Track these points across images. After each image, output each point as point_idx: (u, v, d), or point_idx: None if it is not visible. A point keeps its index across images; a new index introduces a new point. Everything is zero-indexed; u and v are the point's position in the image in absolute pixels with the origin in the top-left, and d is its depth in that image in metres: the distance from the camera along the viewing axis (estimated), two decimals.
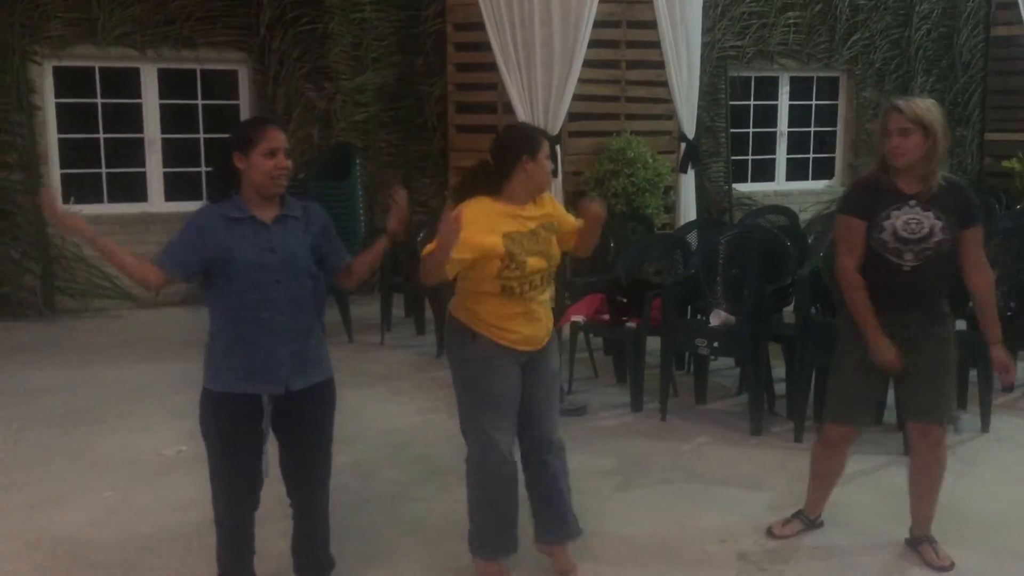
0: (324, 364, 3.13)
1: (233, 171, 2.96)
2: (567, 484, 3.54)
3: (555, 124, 7.92)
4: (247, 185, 2.97)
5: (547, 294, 3.39)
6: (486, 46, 7.99)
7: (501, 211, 3.27)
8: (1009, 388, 3.55)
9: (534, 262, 3.27)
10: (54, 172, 8.24)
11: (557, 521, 3.53)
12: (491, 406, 3.33)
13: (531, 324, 3.33)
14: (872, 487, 4.31)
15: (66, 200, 8.25)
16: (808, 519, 3.88)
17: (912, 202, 3.40)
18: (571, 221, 3.47)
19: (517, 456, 3.42)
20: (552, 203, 3.44)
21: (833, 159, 10.82)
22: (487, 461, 3.34)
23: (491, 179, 3.31)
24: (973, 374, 5.16)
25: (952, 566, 3.56)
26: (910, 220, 3.39)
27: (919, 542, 3.67)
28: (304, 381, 3.04)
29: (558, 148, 7.94)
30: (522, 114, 7.94)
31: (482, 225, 3.21)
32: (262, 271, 2.93)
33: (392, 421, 5.26)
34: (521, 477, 3.47)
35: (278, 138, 2.95)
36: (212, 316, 3.03)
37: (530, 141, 3.31)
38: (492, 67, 8.04)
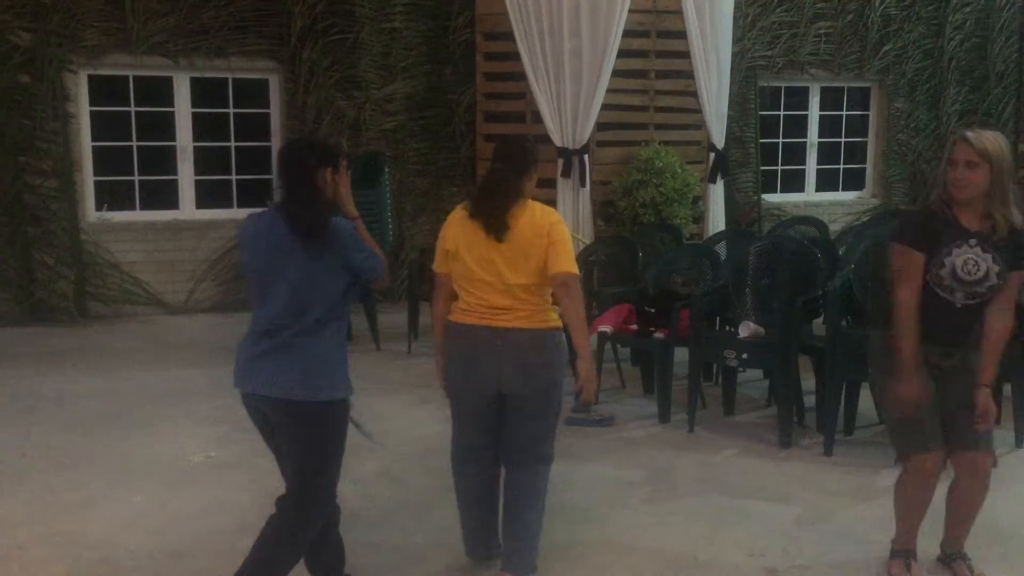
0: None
1: (317, 186, 3.10)
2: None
3: (584, 134, 7.92)
4: (326, 199, 3.13)
5: None
6: (515, 56, 8.01)
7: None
8: (986, 435, 3.40)
9: None
10: (88, 179, 8.35)
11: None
12: None
13: None
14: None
15: (99, 207, 8.39)
16: (913, 552, 3.65)
17: (972, 241, 3.30)
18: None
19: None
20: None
21: (864, 170, 10.73)
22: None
23: (520, 188, 3.48)
24: (1007, 389, 5.09)
25: None
26: (968, 260, 3.29)
27: (952, 559, 3.61)
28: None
29: (586, 158, 7.94)
30: (550, 123, 7.95)
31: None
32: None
33: (419, 429, 5.26)
34: None
35: None
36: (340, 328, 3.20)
37: (533, 157, 3.50)
38: (521, 76, 8.06)
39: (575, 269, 3.33)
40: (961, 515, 3.57)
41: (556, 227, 3.32)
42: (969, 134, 3.28)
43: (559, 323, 3.40)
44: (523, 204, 3.37)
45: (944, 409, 3.44)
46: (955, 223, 3.33)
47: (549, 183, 7.80)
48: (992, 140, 3.26)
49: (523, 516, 3.41)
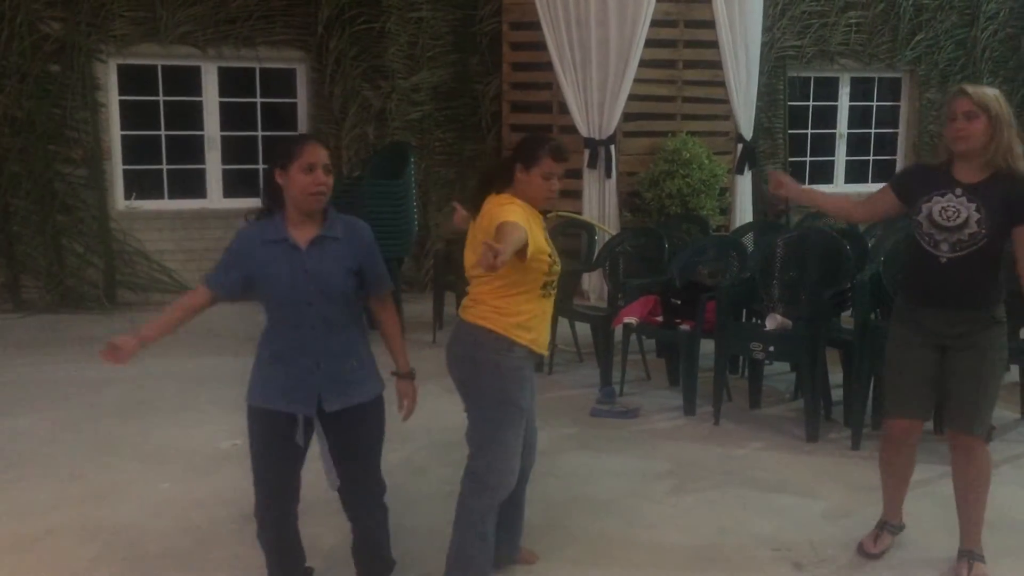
0: (368, 385, 3.07)
1: (275, 187, 2.96)
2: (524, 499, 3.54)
3: (610, 124, 7.89)
4: (288, 202, 2.95)
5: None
6: (542, 45, 7.99)
7: (534, 215, 3.23)
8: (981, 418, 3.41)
9: (557, 264, 3.26)
10: (117, 168, 8.43)
11: (514, 536, 3.55)
12: (518, 419, 3.21)
13: (544, 326, 3.29)
14: (929, 498, 4.19)
15: (128, 196, 8.46)
16: (893, 527, 3.76)
17: (958, 191, 3.32)
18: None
19: None
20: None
21: (894, 161, 10.61)
22: (508, 482, 3.24)
23: (502, 181, 3.26)
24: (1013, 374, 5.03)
25: None
26: (947, 207, 3.32)
27: (960, 556, 3.55)
28: (342, 402, 3.01)
29: (612, 148, 7.90)
30: (577, 114, 7.92)
31: (530, 222, 3.13)
32: (294, 292, 2.94)
33: (443, 420, 5.24)
34: None
35: (317, 153, 2.91)
36: (262, 333, 3.10)
37: (532, 152, 3.21)
38: (548, 66, 8.03)
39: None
40: (959, 496, 3.53)
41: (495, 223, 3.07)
42: (967, 87, 3.32)
43: (487, 323, 3.19)
44: (495, 196, 3.24)
45: (944, 385, 3.44)
46: (946, 174, 3.36)
47: (575, 173, 7.78)
48: (991, 92, 3.29)
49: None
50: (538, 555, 3.63)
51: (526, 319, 3.17)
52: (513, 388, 3.19)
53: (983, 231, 3.26)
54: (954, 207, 3.31)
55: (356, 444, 3.10)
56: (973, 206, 3.28)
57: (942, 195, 3.34)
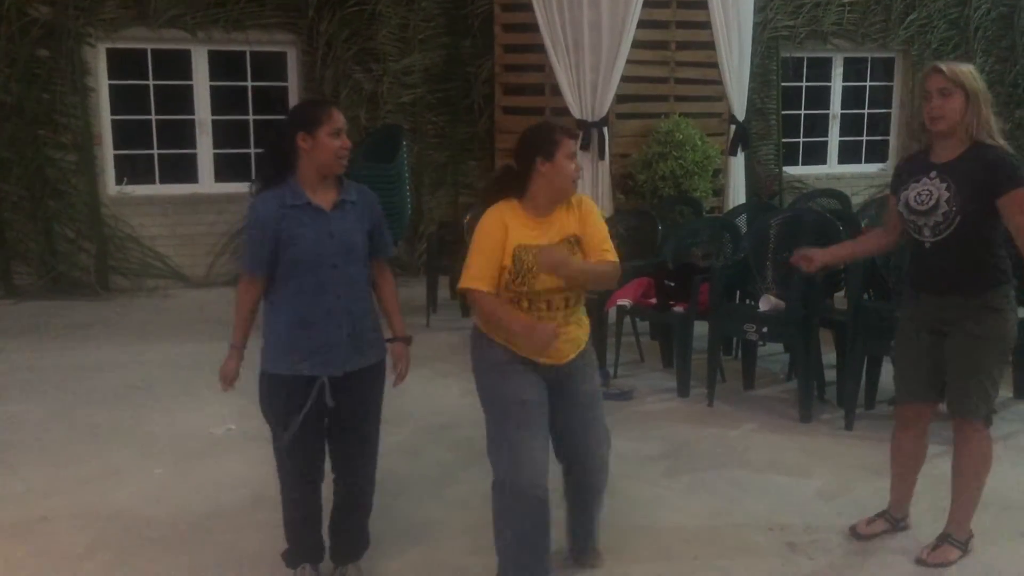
0: (379, 346, 3.18)
1: (289, 152, 2.99)
2: (601, 503, 3.40)
3: (603, 106, 7.86)
4: (307, 166, 3.00)
5: (576, 315, 3.16)
6: (534, 27, 7.95)
7: (527, 219, 3.07)
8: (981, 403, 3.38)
9: (546, 280, 3.00)
10: (107, 153, 8.38)
11: (582, 543, 3.47)
12: (518, 412, 3.06)
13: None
14: (924, 477, 4.21)
15: (119, 181, 8.43)
16: (893, 518, 3.72)
17: (933, 173, 3.30)
18: (602, 248, 3.10)
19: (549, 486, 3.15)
20: (586, 217, 3.12)
21: (887, 142, 10.61)
22: (518, 480, 3.01)
23: (514, 184, 3.10)
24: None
25: (929, 564, 3.44)
26: (921, 191, 3.31)
27: (938, 537, 3.52)
28: (360, 362, 3.09)
29: (605, 130, 7.88)
30: (569, 95, 7.89)
31: (499, 227, 3.06)
32: (320, 256, 2.98)
33: (437, 403, 5.28)
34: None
35: (340, 118, 3.04)
36: (270, 299, 3.08)
37: (546, 141, 3.02)
38: (540, 48, 8.00)
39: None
40: (954, 486, 3.51)
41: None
42: (939, 64, 3.27)
43: (478, 321, 3.18)
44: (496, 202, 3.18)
45: (946, 366, 3.43)
46: (925, 159, 3.35)
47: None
48: (964, 68, 3.24)
49: (593, 513, 3.47)
50: (603, 557, 3.50)
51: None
52: (498, 382, 3.10)
53: (953, 209, 3.23)
54: (927, 190, 3.30)
55: (364, 403, 3.15)
56: (944, 186, 3.26)
57: (918, 180, 3.34)
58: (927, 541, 3.57)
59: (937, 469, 3.85)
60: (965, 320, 3.32)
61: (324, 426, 3.12)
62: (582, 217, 3.13)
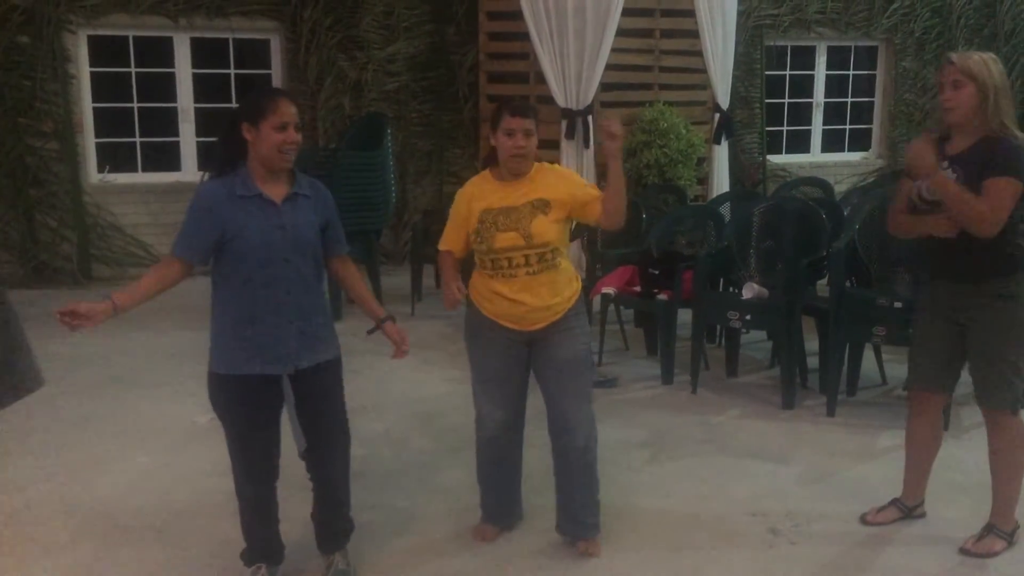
0: (331, 342, 3.12)
1: (240, 142, 2.91)
2: (588, 475, 3.44)
3: (587, 94, 7.85)
4: (254, 158, 2.92)
5: (543, 275, 3.28)
6: (518, 15, 7.92)
7: (495, 187, 3.31)
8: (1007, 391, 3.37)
9: (504, 239, 3.23)
10: (89, 141, 8.32)
11: (569, 515, 3.49)
12: (480, 374, 3.46)
13: (512, 303, 3.29)
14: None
15: (101, 169, 8.36)
16: (905, 507, 3.72)
17: (945, 163, 3.30)
18: (590, 192, 3.34)
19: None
20: (557, 183, 3.31)
21: (870, 130, 10.65)
22: (478, 428, 3.53)
23: (492, 153, 3.37)
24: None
25: (972, 553, 3.45)
26: None
27: (982, 528, 3.52)
28: (311, 359, 3.03)
29: (590, 119, 7.88)
30: (554, 84, 7.88)
31: (466, 197, 3.37)
32: (270, 249, 2.90)
33: (422, 391, 5.28)
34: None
35: (289, 111, 2.89)
36: (217, 295, 3.00)
37: (495, 113, 3.29)
38: (524, 36, 7.98)
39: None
40: (992, 477, 3.49)
41: None
42: (953, 55, 3.29)
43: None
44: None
45: (968, 358, 3.43)
46: (940, 150, 3.33)
47: (553, 144, 7.75)
48: (978, 58, 3.23)
49: (582, 485, 3.52)
50: (600, 549, 3.50)
51: (479, 286, 3.41)
52: (472, 345, 3.48)
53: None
54: None
55: (325, 400, 3.11)
56: (955, 177, 3.26)
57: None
58: (922, 529, 3.62)
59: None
60: (982, 311, 3.32)
61: (278, 425, 3.07)
62: (551, 183, 3.32)
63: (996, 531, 3.49)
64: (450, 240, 3.45)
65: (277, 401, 3.04)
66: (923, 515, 3.74)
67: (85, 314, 2.84)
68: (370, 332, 3.25)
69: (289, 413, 3.09)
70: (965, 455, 4.29)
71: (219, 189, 2.93)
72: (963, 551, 3.47)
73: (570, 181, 3.38)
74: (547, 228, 3.25)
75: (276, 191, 2.95)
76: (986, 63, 3.22)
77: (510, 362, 3.40)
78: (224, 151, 2.97)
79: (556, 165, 3.45)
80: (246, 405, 3.01)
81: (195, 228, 2.94)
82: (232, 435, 3.08)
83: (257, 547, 3.22)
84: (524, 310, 3.30)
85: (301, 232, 2.96)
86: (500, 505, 3.62)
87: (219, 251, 2.93)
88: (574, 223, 3.62)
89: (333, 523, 3.29)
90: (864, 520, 3.73)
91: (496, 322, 3.36)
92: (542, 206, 3.26)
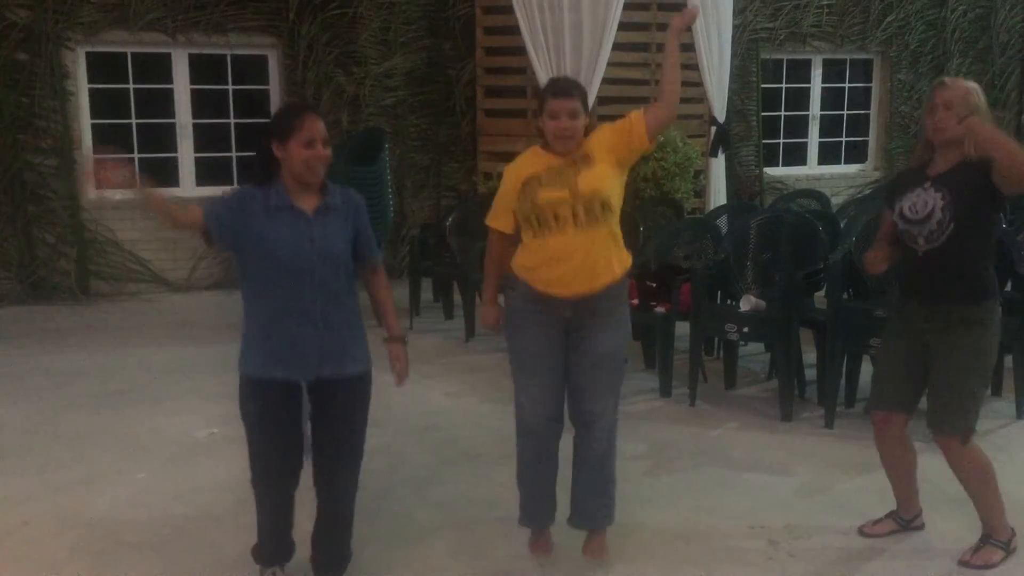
0: (359, 356, 3.11)
1: (272, 158, 2.98)
2: (603, 470, 3.44)
3: None
4: (285, 173, 2.99)
5: (593, 230, 3.18)
6: (515, 29, 7.96)
7: (542, 158, 3.29)
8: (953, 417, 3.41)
9: (547, 193, 3.18)
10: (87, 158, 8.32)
11: (581, 508, 3.49)
12: (521, 364, 3.36)
13: (559, 264, 3.19)
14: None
15: (99, 185, 8.36)
16: (902, 519, 3.74)
17: (927, 184, 3.36)
18: (631, 116, 3.31)
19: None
20: (598, 139, 3.30)
21: (866, 143, 10.69)
22: (518, 424, 3.42)
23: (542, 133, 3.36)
24: (1008, 360, 5.10)
25: (971, 565, 3.46)
26: (916, 201, 3.36)
27: (981, 537, 3.54)
28: (335, 370, 3.03)
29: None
30: None
31: (513, 170, 3.34)
32: (298, 259, 2.94)
33: (421, 405, 5.28)
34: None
35: (316, 127, 2.95)
36: (247, 301, 3.05)
37: (541, 97, 3.31)
38: (521, 51, 8.01)
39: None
40: (970, 496, 3.52)
41: None
42: (946, 79, 3.39)
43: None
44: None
45: (928, 380, 3.46)
46: (921, 172, 3.40)
47: None
48: (970, 84, 3.34)
49: (598, 475, 3.51)
50: (608, 554, 3.49)
51: (524, 256, 3.30)
52: (512, 334, 3.37)
53: (948, 216, 3.27)
54: (922, 200, 3.34)
55: (344, 417, 3.10)
56: (939, 195, 3.30)
57: (912, 191, 3.39)
58: (920, 541, 3.63)
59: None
60: (950, 333, 3.34)
61: (300, 434, 3.07)
62: (596, 138, 3.31)
63: (992, 541, 3.50)
64: (498, 214, 3.37)
65: (298, 409, 3.03)
66: (922, 526, 3.74)
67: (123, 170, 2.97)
68: (385, 340, 3.25)
69: (303, 420, 3.07)
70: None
71: (257, 194, 2.99)
72: (962, 563, 3.48)
73: (609, 126, 3.34)
74: (592, 177, 3.19)
75: (308, 203, 3.00)
76: (976, 91, 3.32)
77: (552, 350, 3.31)
78: (260, 168, 3.03)
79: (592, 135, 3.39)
80: (267, 410, 3.03)
81: (225, 201, 3.00)
82: (252, 439, 3.09)
83: (269, 548, 3.25)
84: (574, 267, 3.19)
85: (330, 244, 2.99)
86: (542, 505, 3.50)
87: (248, 257, 2.98)
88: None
89: (331, 547, 3.26)
90: (861, 532, 3.73)
91: (542, 294, 3.24)
92: (586, 160, 3.23)
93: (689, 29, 8.06)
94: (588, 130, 3.32)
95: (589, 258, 3.20)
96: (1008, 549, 3.50)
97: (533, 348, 3.32)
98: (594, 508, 3.48)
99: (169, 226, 3.01)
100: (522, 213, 3.26)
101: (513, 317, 3.36)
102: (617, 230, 3.31)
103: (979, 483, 3.47)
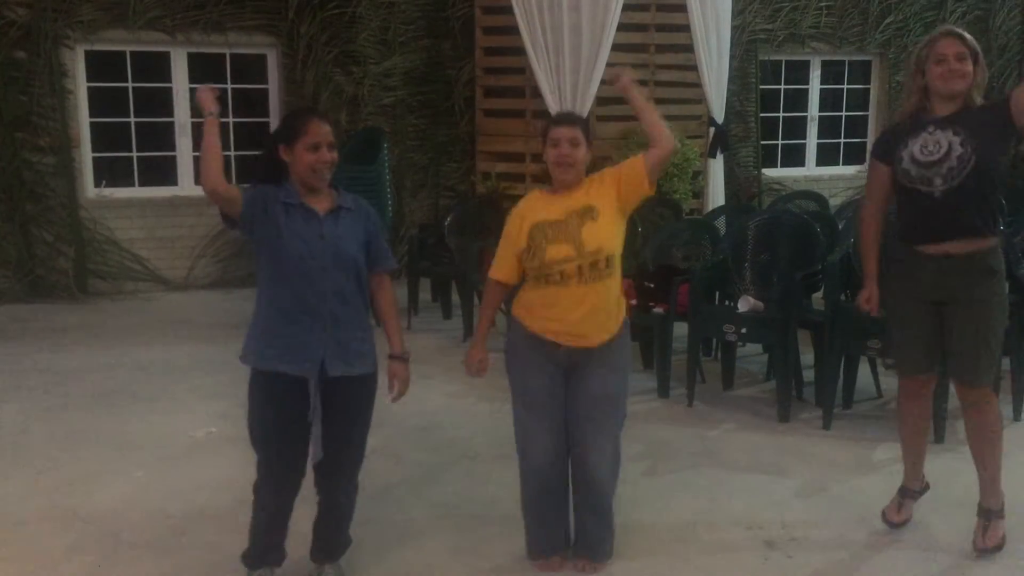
0: (368, 357, 3.12)
1: (280, 163, 3.01)
2: (603, 508, 3.42)
3: (583, 108, 7.88)
4: (293, 177, 3.02)
5: (598, 283, 3.19)
6: (514, 30, 7.97)
7: (545, 201, 3.28)
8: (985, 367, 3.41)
9: (555, 250, 3.17)
10: (86, 156, 8.33)
11: (583, 541, 3.46)
12: (523, 398, 3.34)
13: (560, 318, 3.20)
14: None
15: (98, 184, 8.38)
16: (914, 492, 3.76)
17: (931, 127, 3.37)
18: (629, 161, 3.30)
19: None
20: (599, 183, 3.28)
21: (864, 144, 10.69)
22: (521, 459, 3.39)
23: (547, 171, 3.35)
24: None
25: (990, 549, 3.50)
26: (926, 142, 3.36)
27: (979, 514, 3.57)
28: (344, 369, 3.03)
29: None
30: (550, 98, 7.91)
31: (517, 218, 3.31)
32: (310, 256, 2.96)
33: (419, 405, 5.27)
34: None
35: (321, 131, 2.97)
36: (260, 294, 3.06)
37: (541, 131, 3.30)
38: (520, 51, 8.02)
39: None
40: (978, 460, 3.54)
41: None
42: (954, 29, 3.40)
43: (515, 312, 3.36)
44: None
45: (946, 343, 3.47)
46: (915, 120, 3.42)
47: None
48: (970, 36, 3.39)
49: (592, 516, 3.50)
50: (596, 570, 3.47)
51: (526, 299, 3.31)
52: (514, 366, 3.35)
53: (968, 150, 3.28)
54: (933, 140, 3.35)
55: (349, 416, 3.11)
56: (950, 131, 3.32)
57: (915, 136, 3.39)
58: (920, 540, 3.64)
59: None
60: (970, 288, 3.36)
61: (306, 431, 3.07)
62: (597, 186, 3.27)
63: (995, 513, 3.55)
64: (502, 265, 3.34)
65: (303, 406, 3.01)
66: (928, 487, 3.79)
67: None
68: (390, 356, 3.24)
69: (312, 421, 3.06)
70: (962, 467, 4.27)
71: (271, 191, 3.01)
72: (979, 550, 3.51)
73: (611, 170, 3.32)
74: (597, 233, 3.19)
75: (319, 204, 3.02)
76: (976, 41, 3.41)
77: (554, 386, 3.29)
78: (265, 171, 3.04)
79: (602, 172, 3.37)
80: (272, 404, 3.03)
81: (258, 189, 3.02)
82: (256, 435, 3.09)
83: (260, 552, 3.24)
84: (572, 321, 3.20)
85: (342, 245, 3.00)
86: (549, 538, 3.46)
87: (262, 249, 3.00)
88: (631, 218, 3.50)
89: (332, 538, 3.30)
90: (888, 522, 3.74)
91: (541, 338, 3.26)
92: (590, 212, 3.21)
93: (688, 30, 8.12)
94: (590, 168, 3.33)
95: (593, 314, 3.22)
96: (1003, 514, 3.57)
97: (535, 384, 3.31)
98: (597, 544, 3.47)
99: (210, 171, 2.94)
100: (529, 267, 3.25)
101: (514, 349, 3.35)
102: (618, 285, 3.31)
103: (994, 439, 3.49)
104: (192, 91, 8.43)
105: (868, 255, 3.67)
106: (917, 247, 3.44)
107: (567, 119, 3.32)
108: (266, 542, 3.23)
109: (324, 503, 3.24)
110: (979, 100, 3.38)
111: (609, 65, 7.85)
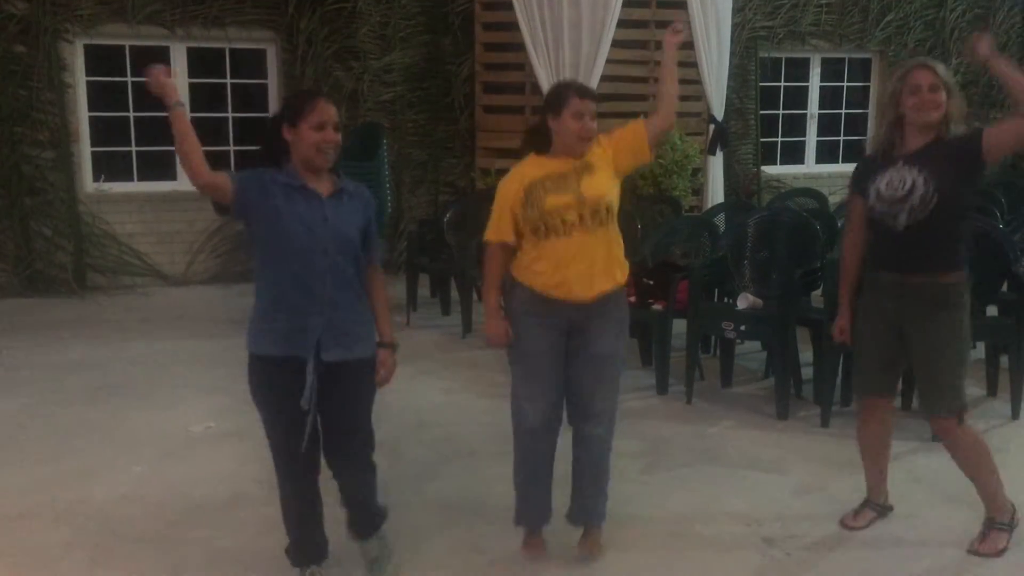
0: (367, 342, 3.11)
1: (282, 144, 2.99)
2: (602, 466, 3.48)
3: None
4: (295, 158, 2.99)
5: (600, 232, 3.23)
6: (514, 26, 7.96)
7: (542, 164, 3.30)
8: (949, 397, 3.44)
9: (553, 199, 3.20)
10: (85, 150, 8.32)
11: (580, 503, 3.53)
12: (521, 366, 3.36)
13: (565, 267, 3.22)
14: (902, 472, 4.26)
15: (96, 178, 8.37)
16: (877, 505, 3.80)
17: (899, 163, 3.40)
18: (631, 127, 3.36)
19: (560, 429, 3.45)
20: (596, 145, 3.32)
21: (864, 142, 10.68)
22: (516, 425, 3.41)
23: (540, 139, 3.35)
24: (1004, 361, 5.11)
25: (981, 555, 3.50)
26: (892, 179, 3.39)
27: (983, 524, 3.58)
28: (340, 354, 3.01)
29: None
30: None
31: (514, 179, 3.33)
32: (311, 238, 2.93)
33: (417, 400, 5.28)
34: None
35: (327, 111, 2.97)
36: (258, 279, 3.04)
37: (554, 100, 3.29)
38: (520, 47, 8.01)
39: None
40: (971, 479, 3.56)
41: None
42: (927, 61, 3.43)
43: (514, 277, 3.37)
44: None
45: (912, 363, 3.51)
46: (887, 154, 3.46)
47: None
48: (945, 69, 3.42)
49: (594, 471, 3.54)
50: (602, 549, 3.53)
51: (527, 260, 3.29)
52: (515, 329, 3.33)
53: (931, 189, 3.31)
54: (898, 176, 3.38)
55: (351, 399, 3.10)
56: (915, 169, 3.35)
57: (884, 172, 3.43)
58: (916, 536, 3.64)
59: (911, 464, 3.89)
60: (920, 318, 3.40)
61: (314, 417, 3.05)
62: (594, 146, 3.32)
63: (997, 524, 3.55)
64: (499, 224, 3.32)
65: (306, 401, 3.00)
66: (891, 508, 3.82)
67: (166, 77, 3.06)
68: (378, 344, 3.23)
69: (308, 407, 3.03)
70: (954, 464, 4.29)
71: (263, 173, 2.98)
72: (972, 552, 3.52)
73: (605, 136, 3.36)
74: (596, 183, 3.24)
75: (321, 187, 3.01)
76: (949, 71, 3.44)
77: (553, 352, 3.32)
78: (265, 154, 3.03)
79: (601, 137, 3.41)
80: (272, 389, 3.01)
81: (249, 173, 2.99)
82: (264, 421, 3.09)
83: (299, 546, 3.23)
84: (579, 271, 3.22)
85: (343, 228, 2.99)
86: (537, 506, 3.51)
87: (260, 232, 2.97)
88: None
89: (361, 518, 3.29)
90: (844, 525, 3.76)
91: (544, 297, 3.26)
92: (587, 168, 3.27)
93: (688, 27, 8.10)
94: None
95: (595, 262, 3.25)
96: (1011, 527, 3.55)
97: (534, 351, 3.32)
98: (592, 504, 3.51)
99: (193, 164, 2.96)
100: (528, 221, 3.25)
101: (513, 320, 3.35)
102: (618, 236, 3.35)
103: (977, 462, 3.51)
104: (192, 87, 8.45)
105: (844, 283, 3.71)
106: (879, 273, 3.52)
107: (590, 92, 3.34)
108: (302, 534, 3.22)
109: (343, 490, 3.22)
110: (956, 130, 3.39)
111: (609, 62, 7.86)
